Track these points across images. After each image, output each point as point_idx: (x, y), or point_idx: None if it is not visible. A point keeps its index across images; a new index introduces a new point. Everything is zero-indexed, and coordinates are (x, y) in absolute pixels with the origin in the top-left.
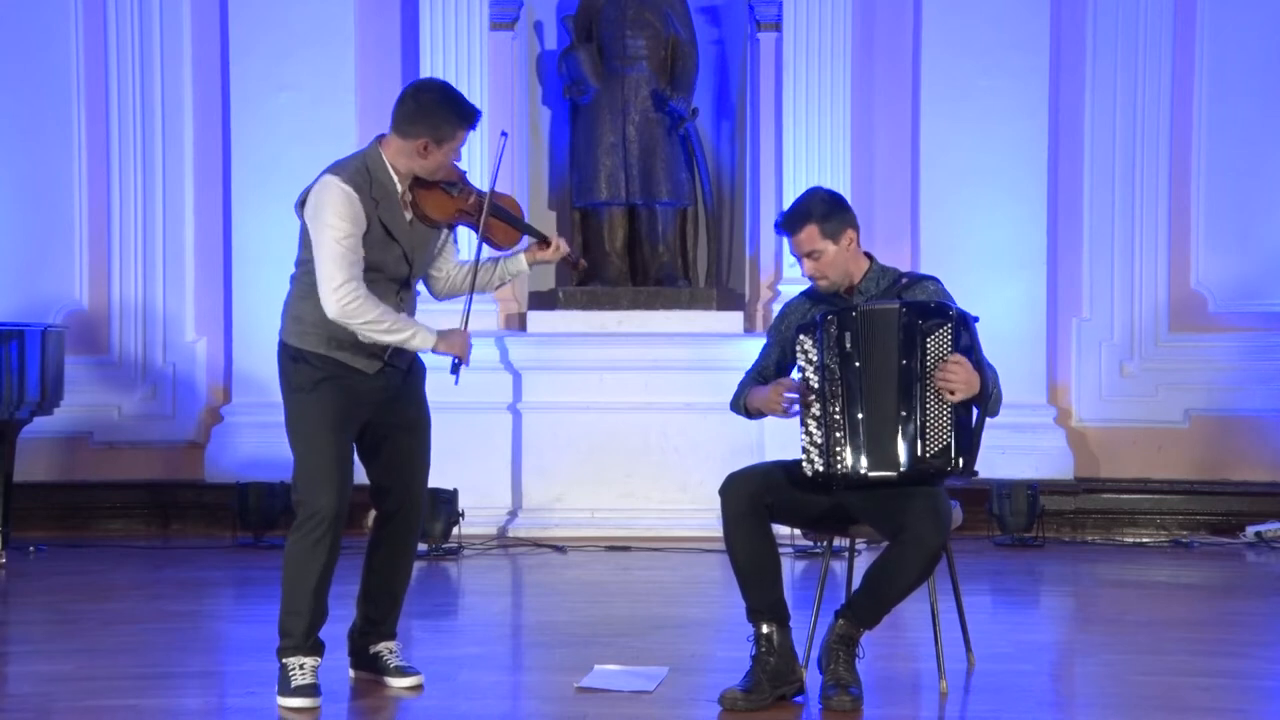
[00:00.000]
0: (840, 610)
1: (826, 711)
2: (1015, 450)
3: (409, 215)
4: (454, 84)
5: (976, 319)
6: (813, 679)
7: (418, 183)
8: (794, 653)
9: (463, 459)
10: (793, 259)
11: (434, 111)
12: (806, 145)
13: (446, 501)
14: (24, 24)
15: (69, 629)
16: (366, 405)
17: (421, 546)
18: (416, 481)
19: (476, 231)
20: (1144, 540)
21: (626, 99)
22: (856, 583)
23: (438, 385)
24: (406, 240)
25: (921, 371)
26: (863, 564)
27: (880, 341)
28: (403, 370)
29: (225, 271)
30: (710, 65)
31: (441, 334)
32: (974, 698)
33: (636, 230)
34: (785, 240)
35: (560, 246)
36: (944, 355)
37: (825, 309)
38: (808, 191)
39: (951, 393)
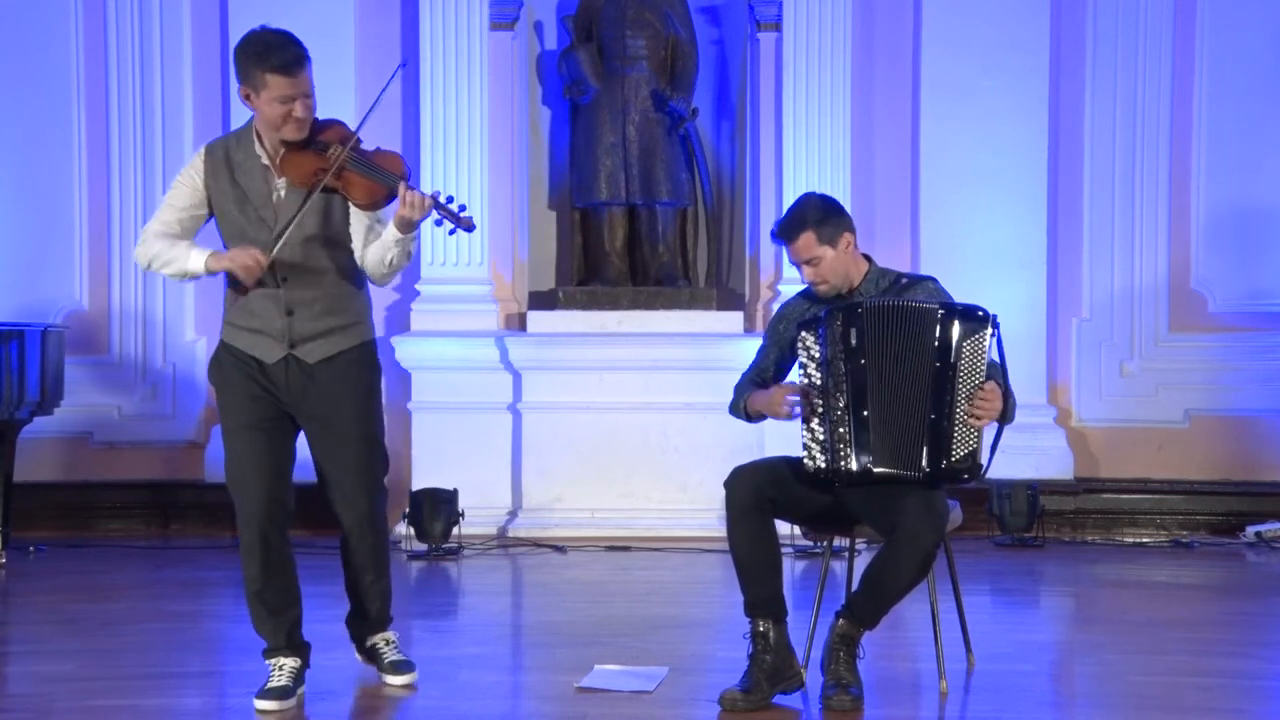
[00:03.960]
0: (840, 610)
1: (826, 711)
2: (1015, 450)
3: (282, 182)
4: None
5: (999, 324)
6: (813, 680)
7: (289, 147)
8: (791, 649)
9: (463, 459)
10: (792, 265)
11: (240, 58)
12: (806, 145)
13: (446, 501)
14: (24, 24)
15: (69, 629)
16: (283, 403)
17: (421, 546)
18: (358, 505)
19: (338, 192)
20: (1144, 540)
21: (626, 99)
22: (856, 583)
23: (438, 385)
24: (267, 205)
25: (954, 376)
26: (863, 564)
27: (905, 340)
28: (311, 366)
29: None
30: (710, 65)
31: (216, 253)
32: (974, 698)
33: (636, 230)
34: (783, 249)
35: (419, 200)
36: (980, 361)
37: (829, 305)
38: (801, 198)
39: (978, 419)
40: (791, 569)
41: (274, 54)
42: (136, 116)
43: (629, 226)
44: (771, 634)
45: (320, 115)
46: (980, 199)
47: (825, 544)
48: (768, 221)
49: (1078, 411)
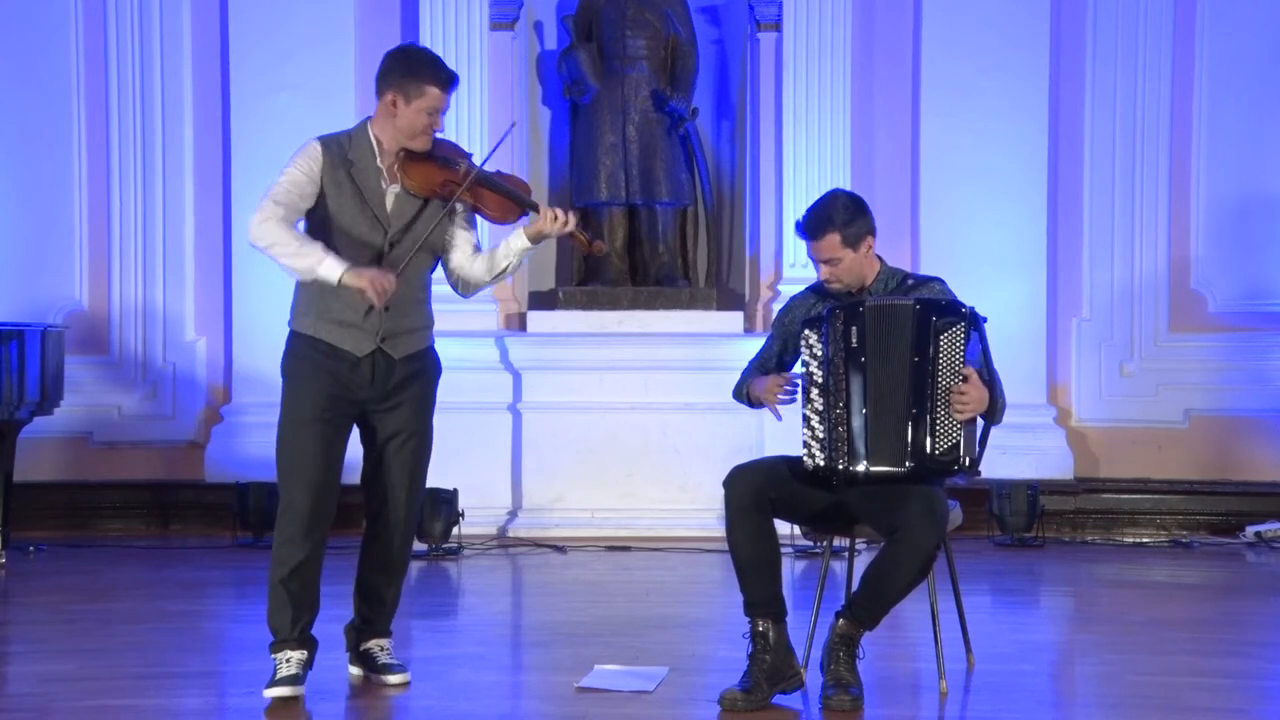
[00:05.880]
0: (840, 610)
1: (826, 711)
2: (1015, 450)
3: (396, 187)
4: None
5: (985, 319)
6: (813, 680)
7: (410, 156)
8: (791, 649)
9: (463, 459)
10: (792, 261)
11: (400, 66)
12: (806, 145)
13: (446, 501)
14: (24, 24)
15: (69, 629)
16: (357, 400)
17: (421, 546)
18: (399, 499)
19: (467, 205)
20: (1144, 540)
21: (626, 99)
22: (856, 583)
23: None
24: (381, 206)
25: (933, 369)
26: (863, 564)
27: (891, 337)
28: (395, 361)
29: (225, 271)
30: (710, 65)
31: (355, 268)
32: (974, 698)
33: (636, 230)
34: (805, 243)
35: (559, 216)
36: (957, 353)
37: (832, 304)
38: (829, 195)
39: (961, 412)
40: (791, 569)
41: (442, 70)
42: (136, 116)
43: (629, 226)
44: (771, 634)
45: (320, 114)
46: (980, 199)
47: (825, 544)
48: (768, 221)
49: (1078, 411)
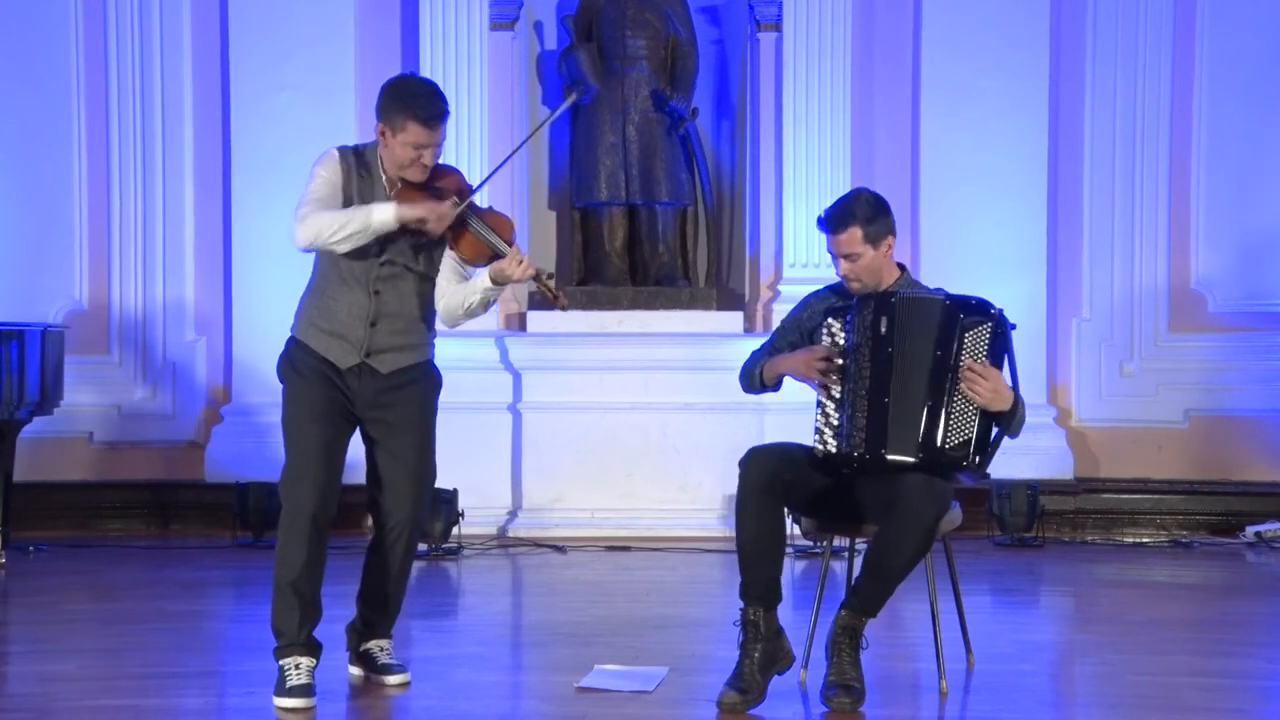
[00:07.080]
0: (842, 602)
1: (827, 712)
2: (1015, 450)
3: None
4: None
5: (1014, 326)
6: (814, 680)
7: (406, 184)
8: (781, 630)
9: (463, 459)
10: (792, 261)
11: (388, 98)
12: (806, 145)
13: (446, 501)
14: (24, 24)
15: (69, 629)
16: (353, 405)
17: (421, 546)
18: (403, 500)
19: (448, 240)
20: (1144, 540)
21: (626, 99)
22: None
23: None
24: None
25: (955, 364)
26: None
27: (918, 329)
28: (384, 375)
29: (225, 271)
30: (710, 65)
31: (404, 203)
32: (974, 698)
33: (636, 230)
34: (825, 238)
35: (522, 262)
36: (980, 352)
37: (859, 297)
38: (854, 191)
39: (976, 394)
40: (791, 569)
41: (421, 105)
42: (136, 116)
43: (629, 226)
44: (762, 623)
45: (320, 114)
46: (980, 199)
47: (825, 544)
48: (768, 221)
49: (1078, 411)
